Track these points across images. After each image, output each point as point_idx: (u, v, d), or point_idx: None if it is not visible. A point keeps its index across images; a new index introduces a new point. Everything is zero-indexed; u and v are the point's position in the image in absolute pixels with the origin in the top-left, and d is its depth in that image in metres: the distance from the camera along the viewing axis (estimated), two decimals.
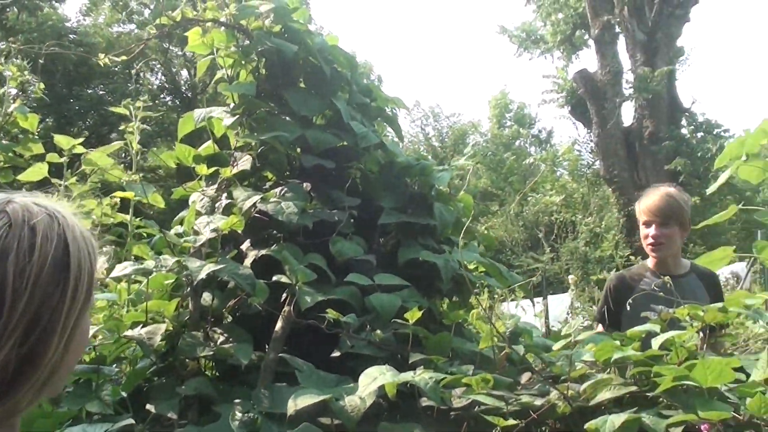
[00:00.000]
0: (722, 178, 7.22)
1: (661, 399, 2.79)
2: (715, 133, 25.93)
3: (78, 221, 1.58)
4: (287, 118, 4.36)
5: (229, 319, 3.96)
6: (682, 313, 3.23)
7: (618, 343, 3.06)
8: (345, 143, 4.29)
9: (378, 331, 3.52)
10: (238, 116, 4.27)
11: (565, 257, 22.19)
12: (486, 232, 5.26)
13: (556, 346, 3.18)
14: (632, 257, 11.16)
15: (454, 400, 3.16)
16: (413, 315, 3.41)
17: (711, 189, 7.54)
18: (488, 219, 28.22)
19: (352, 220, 4.16)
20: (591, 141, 29.22)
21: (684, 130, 26.38)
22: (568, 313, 11.86)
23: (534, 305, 10.83)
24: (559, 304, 13.20)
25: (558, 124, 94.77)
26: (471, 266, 4.46)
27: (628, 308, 4.20)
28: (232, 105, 4.36)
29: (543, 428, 3.11)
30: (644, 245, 4.63)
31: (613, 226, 24.60)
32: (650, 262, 4.69)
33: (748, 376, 2.86)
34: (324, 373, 3.39)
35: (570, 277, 13.06)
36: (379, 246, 4.27)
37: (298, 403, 3.00)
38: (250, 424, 3.06)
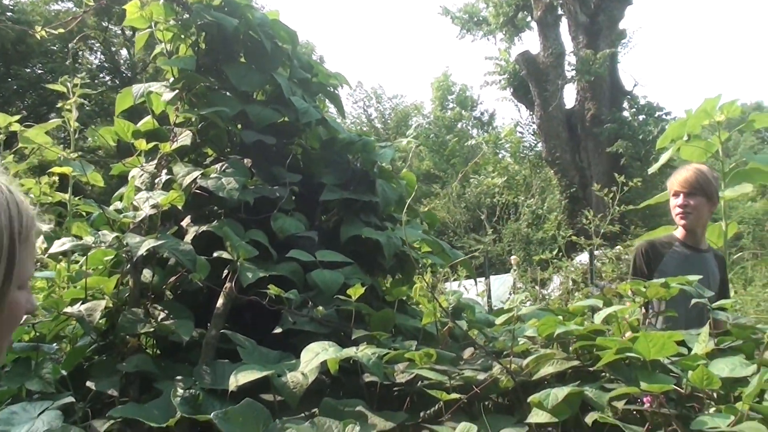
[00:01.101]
0: (663, 158, 7.30)
1: (603, 373, 2.80)
2: (656, 115, 26.21)
3: (11, 191, 1.53)
4: (228, 94, 4.30)
5: (171, 296, 3.91)
6: (624, 288, 3.25)
7: (560, 318, 3.06)
8: (286, 119, 4.23)
9: (320, 308, 3.49)
10: (177, 91, 4.20)
11: (508, 238, 22.32)
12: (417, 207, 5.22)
13: (499, 321, 3.17)
14: (574, 237, 11.25)
15: (397, 375, 3.15)
16: (356, 291, 3.39)
17: (653, 169, 7.62)
18: (431, 200, 28.28)
19: (294, 197, 4.12)
20: (533, 123, 29.39)
21: (626, 113, 26.64)
22: (510, 293, 11.94)
23: (476, 285, 10.88)
24: (501, 284, 13.28)
25: (500, 107, 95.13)
26: (415, 244, 4.44)
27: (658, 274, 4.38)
28: (171, 80, 4.28)
29: (486, 402, 3.10)
30: (673, 215, 4.82)
31: (555, 207, 24.79)
32: (679, 233, 4.87)
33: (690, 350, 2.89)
34: (266, 349, 3.36)
35: (512, 257, 13.14)
36: (321, 223, 4.24)
37: (239, 379, 2.97)
38: (191, 400, 3.02)
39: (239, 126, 4.33)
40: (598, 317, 2.98)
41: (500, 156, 35.11)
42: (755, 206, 29.34)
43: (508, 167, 30.47)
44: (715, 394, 2.64)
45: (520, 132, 34.89)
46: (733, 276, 16.76)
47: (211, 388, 3.12)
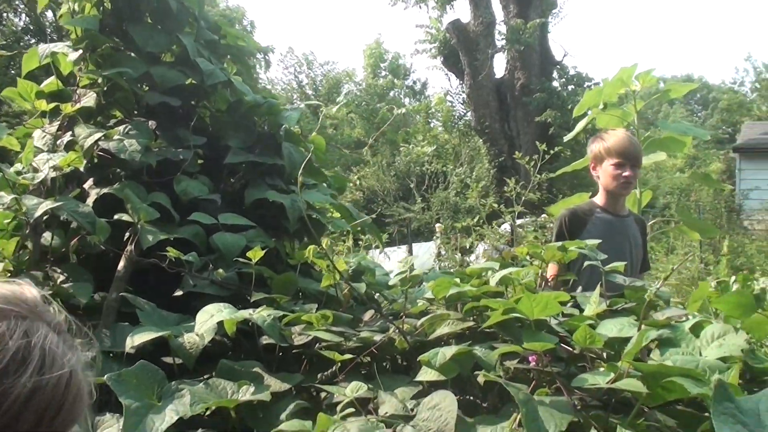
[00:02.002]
0: (579, 126, 7.37)
1: (498, 334, 2.83)
2: (585, 86, 26.39)
3: None
4: (133, 55, 4.23)
5: (74, 259, 3.86)
6: (521, 251, 3.28)
7: (458, 279, 3.09)
8: (192, 81, 4.19)
9: (220, 270, 3.48)
10: (81, 51, 4.13)
11: (436, 207, 22.37)
12: (336, 172, 5.19)
13: (393, 282, 3.19)
14: (496, 205, 11.30)
15: (294, 337, 3.15)
16: (255, 254, 3.38)
17: (568, 137, 7.69)
18: (360, 169, 28.26)
19: (200, 160, 4.10)
20: (463, 92, 29.41)
21: (555, 83, 26.81)
22: (434, 261, 12.00)
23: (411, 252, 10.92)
24: (425, 252, 13.33)
25: (432, 75, 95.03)
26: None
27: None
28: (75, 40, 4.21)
29: (384, 363, 3.13)
30: (613, 184, 4.77)
31: (484, 176, 24.92)
32: (599, 200, 4.88)
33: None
34: (166, 312, 3.35)
35: (437, 225, 13.18)
36: (226, 186, 4.21)
37: (135, 340, 2.96)
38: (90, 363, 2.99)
39: (145, 88, 4.27)
40: (493, 279, 3.01)
41: (431, 125, 35.16)
42: (683, 176, 29.78)
43: (438, 136, 30.55)
44: (605, 354, 2.69)
45: (450, 101, 34.90)
46: (657, 245, 17.04)
47: (111, 351, 3.10)
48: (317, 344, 3.08)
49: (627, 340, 2.60)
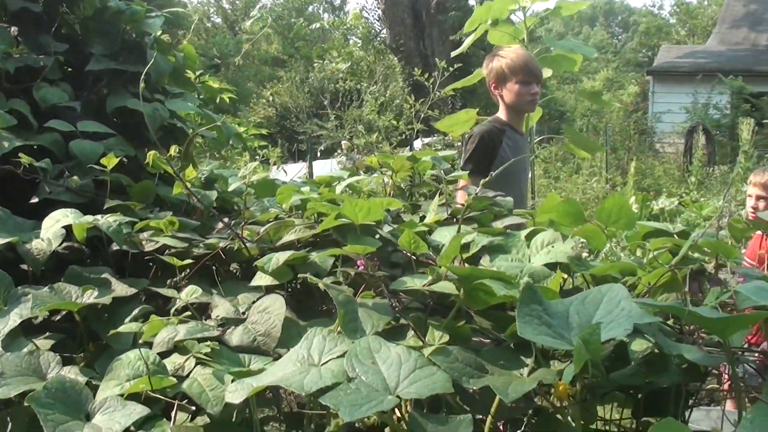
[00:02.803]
0: (467, 41, 7.39)
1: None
2: None
3: None
4: None
5: None
6: (372, 160, 3.32)
7: (305, 188, 3.13)
8: None
9: (75, 177, 3.46)
10: None
11: (349, 125, 22.33)
12: (215, 84, 5.15)
13: (232, 187, 3.22)
14: (394, 122, 11.34)
15: (145, 244, 3.16)
16: (109, 161, 3.36)
17: (455, 52, 7.71)
18: (274, 84, 28.06)
19: (65, 68, 4.04)
20: (379, 8, 29.20)
21: (471, 1, 26.75)
22: None
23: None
24: (322, 168, 13.35)
25: None
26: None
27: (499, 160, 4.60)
28: None
29: (233, 269, 3.17)
30: (521, 101, 4.88)
31: (398, 94, 24.89)
32: (504, 117, 4.97)
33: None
34: (21, 219, 3.32)
35: (343, 142, 13.18)
36: (90, 94, 4.15)
37: None
38: None
39: None
40: (339, 187, 3.05)
41: (350, 41, 34.93)
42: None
43: (353, 53, 30.37)
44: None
45: (366, 17, 34.63)
46: (564, 166, 17.29)
47: None
48: (167, 250, 3.10)
49: (463, 246, 2.68)
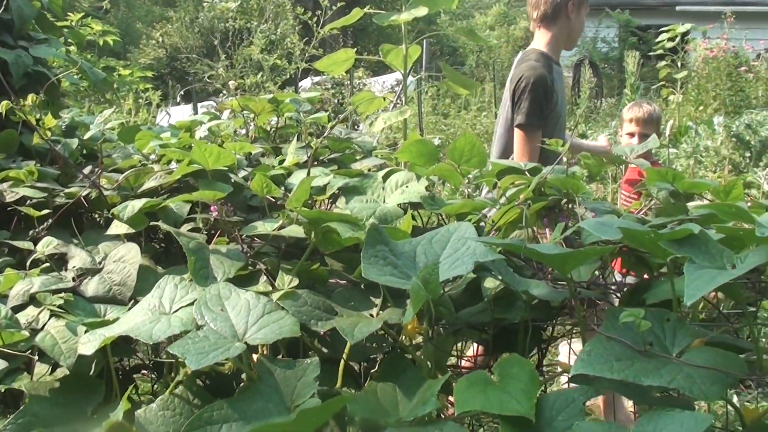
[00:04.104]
0: None
1: None
2: None
3: None
4: None
5: None
6: (234, 104, 3.29)
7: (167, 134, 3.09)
8: None
9: None
10: None
11: (240, 65, 22.06)
12: (97, 26, 5.02)
13: (88, 135, 3.17)
14: (278, 61, 11.25)
15: (6, 195, 3.09)
16: None
17: None
18: (163, 25, 27.54)
19: None
20: None
21: None
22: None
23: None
24: (204, 110, 13.17)
25: None
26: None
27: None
28: None
29: (96, 217, 3.13)
30: (579, 33, 4.78)
31: (289, 33, 24.63)
32: (547, 49, 4.64)
33: None
34: None
35: (230, 82, 13.01)
36: None
37: None
38: None
39: None
40: (199, 132, 3.03)
41: None
42: (494, 33, 30.19)
43: None
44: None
45: None
46: (452, 102, 17.37)
47: None
48: (28, 201, 3.04)
49: (322, 189, 2.69)
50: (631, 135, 5.52)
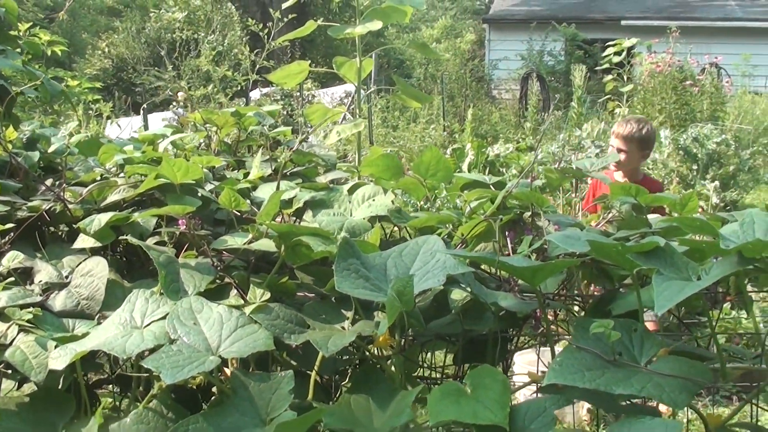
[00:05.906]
0: None
1: None
2: None
3: None
4: None
5: None
6: (196, 116, 3.30)
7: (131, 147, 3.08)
8: None
9: None
10: None
11: (187, 75, 21.97)
12: (45, 36, 4.97)
13: (52, 148, 3.15)
14: (228, 73, 11.25)
15: None
16: None
17: (288, 3, 7.68)
18: (109, 35, 27.31)
19: None
20: None
21: None
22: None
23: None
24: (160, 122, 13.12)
25: None
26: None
27: None
28: None
29: (60, 233, 3.11)
30: None
31: (236, 44, 24.58)
32: None
33: None
34: None
35: (179, 93, 12.97)
36: None
37: None
38: None
39: None
40: (162, 144, 3.03)
41: None
42: (441, 46, 30.32)
43: (189, 2, 29.79)
44: None
45: None
46: (402, 115, 17.44)
47: None
48: None
49: (289, 202, 2.70)
50: (615, 149, 5.62)
